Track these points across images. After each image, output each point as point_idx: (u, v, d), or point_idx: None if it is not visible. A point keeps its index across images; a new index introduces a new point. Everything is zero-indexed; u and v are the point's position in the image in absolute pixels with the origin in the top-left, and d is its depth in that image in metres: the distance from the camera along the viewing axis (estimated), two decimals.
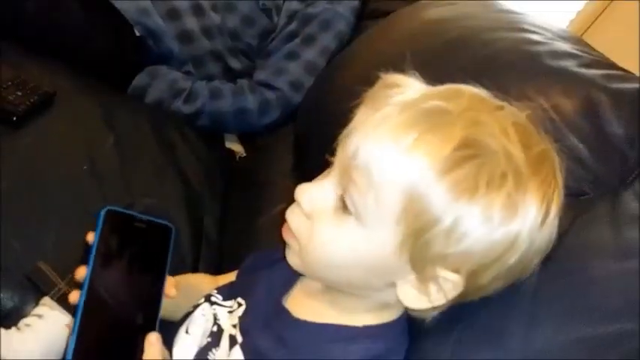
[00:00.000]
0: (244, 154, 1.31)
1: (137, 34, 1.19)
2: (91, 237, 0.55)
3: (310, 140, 1.10)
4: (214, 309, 0.65)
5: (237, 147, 1.33)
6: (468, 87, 0.53)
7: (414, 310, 0.52)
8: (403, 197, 0.46)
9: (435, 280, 0.48)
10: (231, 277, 0.73)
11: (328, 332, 0.56)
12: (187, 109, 1.19)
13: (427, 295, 0.49)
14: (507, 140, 0.47)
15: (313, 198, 0.52)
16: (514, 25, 0.88)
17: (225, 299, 0.65)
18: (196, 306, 0.66)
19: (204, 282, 0.76)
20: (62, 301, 0.73)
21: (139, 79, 1.18)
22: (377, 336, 0.56)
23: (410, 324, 0.58)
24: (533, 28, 0.86)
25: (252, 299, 0.63)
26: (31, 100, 0.94)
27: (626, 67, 0.81)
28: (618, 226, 0.56)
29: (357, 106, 0.59)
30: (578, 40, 0.87)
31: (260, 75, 1.25)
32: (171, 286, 0.58)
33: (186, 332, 0.64)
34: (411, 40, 0.93)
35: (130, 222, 0.58)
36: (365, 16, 1.33)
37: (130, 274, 0.56)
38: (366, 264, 0.51)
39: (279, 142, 1.22)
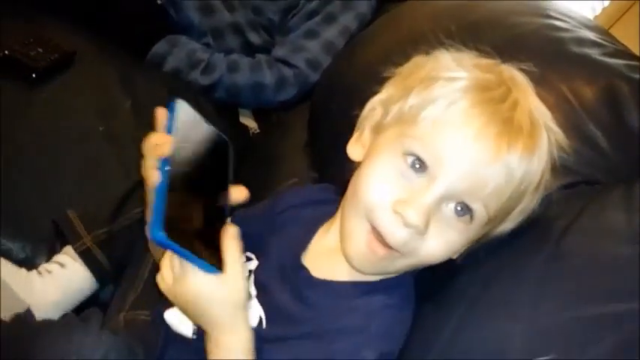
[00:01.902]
0: (258, 130, 1.31)
1: (159, 1, 1.19)
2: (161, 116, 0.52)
3: (325, 117, 1.10)
4: None
5: (251, 123, 1.33)
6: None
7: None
8: None
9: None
10: None
11: (348, 290, 0.57)
12: (204, 80, 1.18)
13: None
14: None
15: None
16: (540, 10, 0.87)
17: None
18: None
19: None
20: (84, 256, 0.74)
21: (159, 47, 1.17)
22: (393, 288, 0.57)
23: (422, 290, 0.58)
24: (558, 15, 0.86)
25: (268, 255, 0.63)
26: (51, 58, 0.95)
27: None
28: (632, 212, 0.56)
29: (383, 82, 0.61)
30: (602, 31, 0.86)
31: (278, 51, 1.25)
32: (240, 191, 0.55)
33: None
34: (433, 20, 0.93)
35: (197, 121, 0.55)
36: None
37: (200, 170, 0.53)
38: None
39: (295, 118, 1.22)
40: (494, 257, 0.60)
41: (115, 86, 1.02)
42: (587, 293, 0.49)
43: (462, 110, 0.51)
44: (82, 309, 0.74)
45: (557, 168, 0.68)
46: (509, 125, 0.51)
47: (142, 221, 0.74)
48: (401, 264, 0.55)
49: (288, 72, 1.21)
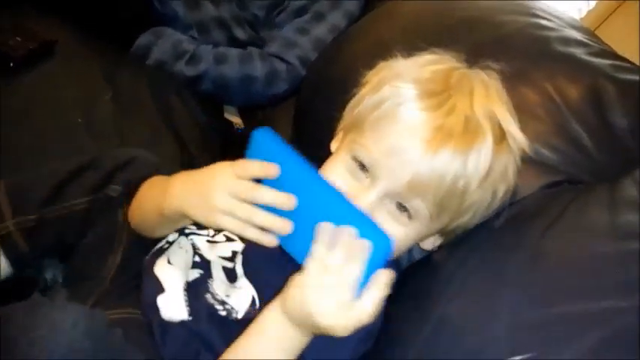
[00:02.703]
0: (243, 127, 1.30)
1: None
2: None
3: (310, 114, 1.09)
4: (191, 239, 0.65)
5: (235, 119, 1.31)
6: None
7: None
8: None
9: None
10: None
11: None
12: (189, 70, 1.16)
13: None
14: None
15: None
16: (526, 9, 0.87)
17: (200, 227, 0.65)
18: (171, 242, 0.66)
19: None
20: (2, 240, 0.69)
21: (143, 38, 1.15)
22: None
23: (403, 287, 0.58)
24: (544, 15, 0.86)
25: None
26: (31, 47, 0.92)
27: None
28: (616, 210, 0.56)
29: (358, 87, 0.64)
30: (588, 31, 0.87)
31: (271, 47, 1.23)
32: None
33: (169, 262, 0.64)
34: (420, 19, 0.92)
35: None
36: None
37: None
38: None
39: (280, 115, 1.21)
40: (475, 254, 0.60)
41: (97, 77, 1.00)
42: (569, 290, 0.49)
43: (400, 118, 0.57)
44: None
45: (542, 166, 0.69)
46: (439, 131, 0.56)
47: (86, 212, 0.69)
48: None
49: (281, 66, 1.19)
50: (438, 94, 0.58)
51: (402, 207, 0.58)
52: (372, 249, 0.48)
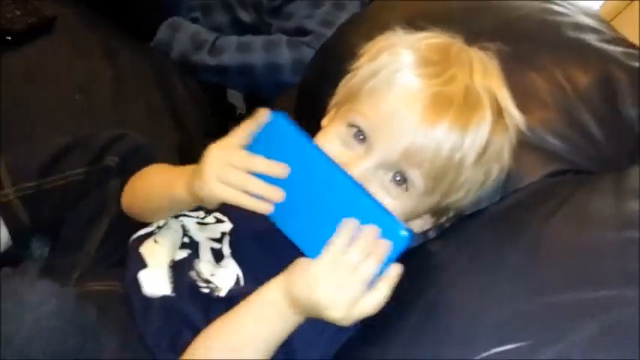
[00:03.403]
0: (244, 111, 1.28)
1: None
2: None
3: (313, 101, 1.07)
4: (181, 220, 0.65)
5: (238, 102, 1.30)
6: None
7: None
8: None
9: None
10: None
11: None
12: (213, 60, 1.15)
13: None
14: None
15: None
16: None
17: (191, 210, 0.65)
18: (160, 226, 0.65)
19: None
20: (2, 209, 0.68)
21: (161, 33, 1.15)
22: None
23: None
24: (557, 1, 0.83)
25: (242, 218, 0.62)
26: (29, 22, 0.91)
27: None
28: (621, 198, 0.53)
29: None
30: (600, 18, 0.84)
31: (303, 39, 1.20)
32: None
33: (155, 242, 0.63)
34: (428, 3, 0.89)
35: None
36: None
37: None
38: None
39: (283, 100, 1.19)
40: (475, 241, 0.58)
41: (97, 56, 0.99)
42: (568, 279, 0.46)
43: (397, 84, 0.55)
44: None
45: (547, 153, 0.66)
46: (438, 98, 0.54)
47: (83, 183, 0.70)
48: None
49: (309, 54, 1.17)
50: (437, 64, 0.56)
51: (396, 179, 0.56)
52: (389, 241, 0.48)
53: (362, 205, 0.50)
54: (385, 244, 0.48)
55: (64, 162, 0.71)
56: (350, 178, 0.51)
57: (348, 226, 0.49)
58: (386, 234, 0.48)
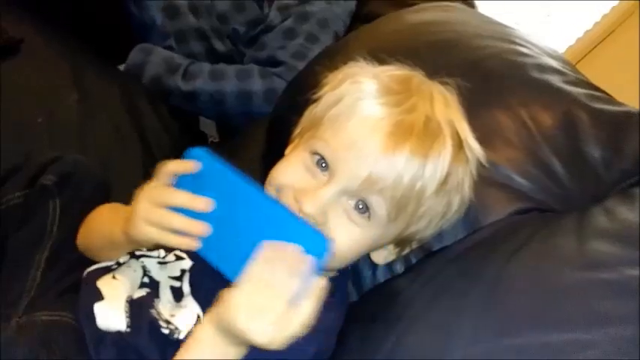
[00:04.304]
0: (217, 140, 1.27)
1: None
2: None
3: (284, 131, 1.06)
4: (142, 261, 0.63)
5: (211, 131, 1.29)
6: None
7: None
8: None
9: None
10: None
11: None
12: (186, 86, 1.14)
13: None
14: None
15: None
16: (504, 36, 0.86)
17: (150, 249, 0.63)
18: (120, 264, 0.63)
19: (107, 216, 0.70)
20: None
21: (134, 57, 1.14)
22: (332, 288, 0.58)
23: (359, 306, 0.57)
24: (522, 42, 0.85)
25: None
26: None
27: (623, 94, 0.80)
28: (584, 239, 0.53)
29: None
30: (564, 60, 0.86)
31: (275, 69, 1.21)
32: None
33: (114, 278, 0.61)
34: (395, 38, 0.91)
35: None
36: (358, 19, 1.32)
37: None
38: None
39: (256, 128, 1.18)
40: (438, 279, 0.58)
41: (63, 78, 0.97)
42: (530, 321, 0.46)
43: (359, 112, 0.56)
44: None
45: (512, 192, 0.67)
46: (399, 127, 0.54)
47: (22, 207, 0.68)
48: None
49: (281, 85, 1.18)
50: (398, 93, 0.57)
51: (359, 207, 0.56)
52: (310, 256, 0.47)
53: (281, 222, 0.50)
54: (305, 260, 0.47)
55: (4, 188, 0.70)
56: (268, 198, 0.52)
57: (265, 248, 0.49)
58: (308, 247, 0.48)
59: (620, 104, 0.76)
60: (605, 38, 1.63)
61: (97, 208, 0.68)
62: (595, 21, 1.91)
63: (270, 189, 0.58)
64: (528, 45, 0.85)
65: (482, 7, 1.28)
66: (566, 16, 1.93)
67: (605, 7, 1.90)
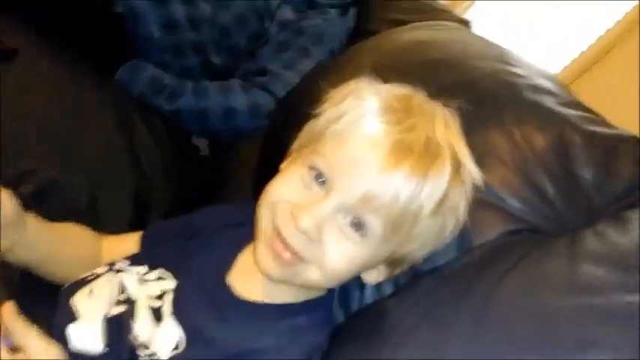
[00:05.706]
0: (207, 154, 1.27)
1: (117, 9, 1.15)
2: None
3: (277, 146, 1.06)
4: (120, 277, 0.62)
5: (203, 145, 1.29)
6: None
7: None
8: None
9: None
10: (124, 240, 0.70)
11: (271, 311, 0.59)
12: (169, 105, 1.14)
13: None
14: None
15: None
16: (498, 56, 0.86)
17: (133, 264, 0.63)
18: (97, 275, 0.62)
19: (85, 238, 0.70)
20: None
21: (122, 73, 1.14)
22: (314, 309, 0.61)
23: (346, 327, 0.56)
24: (516, 63, 0.85)
25: (189, 274, 0.61)
26: None
27: (622, 113, 0.80)
28: (575, 262, 0.53)
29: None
30: (558, 82, 0.86)
31: (258, 79, 1.21)
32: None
33: (90, 292, 0.60)
34: (392, 57, 0.91)
35: None
36: (358, 36, 1.32)
37: None
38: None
39: (248, 146, 1.18)
40: (427, 300, 0.57)
41: (58, 88, 0.97)
42: (520, 344, 0.45)
43: (360, 129, 0.56)
44: None
45: (503, 212, 0.66)
46: (399, 145, 0.54)
47: None
48: (311, 274, 0.57)
49: (265, 98, 1.18)
50: (399, 112, 0.57)
51: (355, 224, 0.55)
52: None
53: None
54: None
55: None
56: None
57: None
58: None
59: (613, 127, 0.76)
60: (598, 60, 1.65)
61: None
62: (589, 43, 1.93)
63: (265, 203, 0.58)
64: (522, 66, 0.85)
65: (476, 29, 1.29)
66: (561, 36, 1.95)
67: (601, 29, 1.92)
